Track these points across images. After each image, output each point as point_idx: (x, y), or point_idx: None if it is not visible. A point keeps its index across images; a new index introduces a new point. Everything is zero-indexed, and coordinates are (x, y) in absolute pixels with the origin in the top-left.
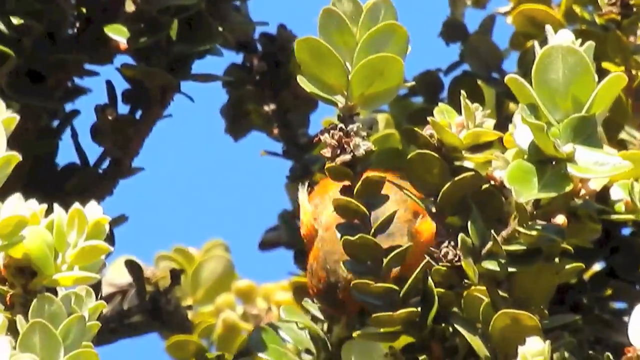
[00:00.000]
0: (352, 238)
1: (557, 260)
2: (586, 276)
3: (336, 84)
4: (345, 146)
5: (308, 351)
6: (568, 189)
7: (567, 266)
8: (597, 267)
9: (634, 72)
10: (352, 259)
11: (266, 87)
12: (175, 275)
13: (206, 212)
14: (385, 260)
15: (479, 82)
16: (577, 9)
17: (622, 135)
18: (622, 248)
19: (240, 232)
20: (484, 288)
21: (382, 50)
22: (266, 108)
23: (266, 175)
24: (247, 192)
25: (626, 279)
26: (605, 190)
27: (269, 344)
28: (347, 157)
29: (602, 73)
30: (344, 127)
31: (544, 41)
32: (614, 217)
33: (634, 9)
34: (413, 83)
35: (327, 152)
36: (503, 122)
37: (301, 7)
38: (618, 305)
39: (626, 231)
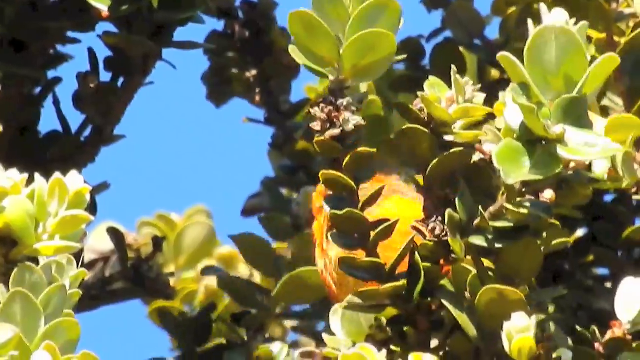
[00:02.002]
0: (339, 212)
1: (544, 235)
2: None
3: (328, 57)
4: (335, 120)
5: None
6: (558, 170)
7: (554, 242)
8: (580, 233)
9: (616, 39)
10: (340, 232)
11: (248, 54)
12: (158, 242)
13: (188, 178)
14: (372, 234)
15: (461, 48)
16: None
17: (605, 102)
18: (605, 215)
19: (223, 198)
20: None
21: (374, 24)
22: (248, 75)
23: (248, 142)
24: (230, 158)
25: (608, 245)
26: None
27: None
28: (336, 131)
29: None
30: (333, 101)
31: (525, 10)
32: (599, 185)
33: None
34: (405, 55)
35: (316, 126)
36: (485, 89)
37: None
38: (600, 271)
39: (608, 198)
